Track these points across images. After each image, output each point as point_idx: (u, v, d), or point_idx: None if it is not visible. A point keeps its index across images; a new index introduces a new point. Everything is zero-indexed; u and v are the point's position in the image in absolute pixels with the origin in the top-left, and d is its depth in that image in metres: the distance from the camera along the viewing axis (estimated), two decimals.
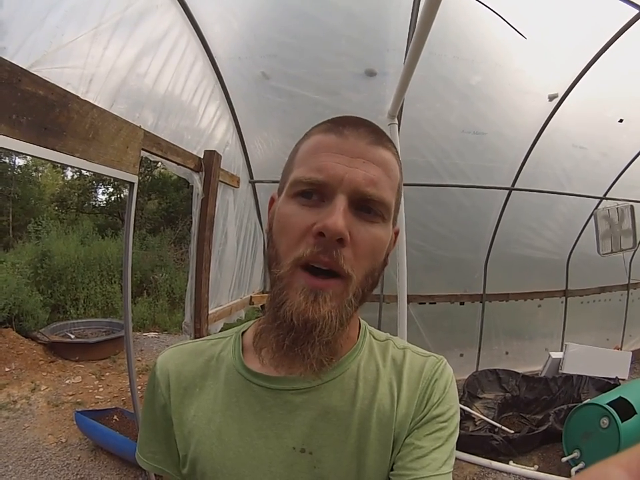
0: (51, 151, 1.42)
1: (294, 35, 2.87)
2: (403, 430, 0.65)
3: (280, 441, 0.65)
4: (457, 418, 0.68)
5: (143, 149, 2.17)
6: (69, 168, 13.00)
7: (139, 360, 5.93)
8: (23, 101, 1.29)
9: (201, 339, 0.80)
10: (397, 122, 2.56)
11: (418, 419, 0.66)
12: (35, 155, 1.35)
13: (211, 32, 2.71)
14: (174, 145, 2.49)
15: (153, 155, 2.33)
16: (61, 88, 1.46)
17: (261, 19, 2.77)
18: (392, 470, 0.64)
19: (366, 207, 0.60)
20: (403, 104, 2.82)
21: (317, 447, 0.64)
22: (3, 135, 1.21)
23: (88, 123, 1.64)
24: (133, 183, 2.16)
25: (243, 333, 0.76)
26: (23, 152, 1.30)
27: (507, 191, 4.37)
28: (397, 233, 0.70)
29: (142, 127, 2.12)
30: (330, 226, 0.55)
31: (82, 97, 1.61)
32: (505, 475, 3.45)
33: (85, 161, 1.65)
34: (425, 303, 4.83)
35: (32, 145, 1.32)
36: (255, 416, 0.66)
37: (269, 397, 0.67)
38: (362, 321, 0.75)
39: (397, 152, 0.66)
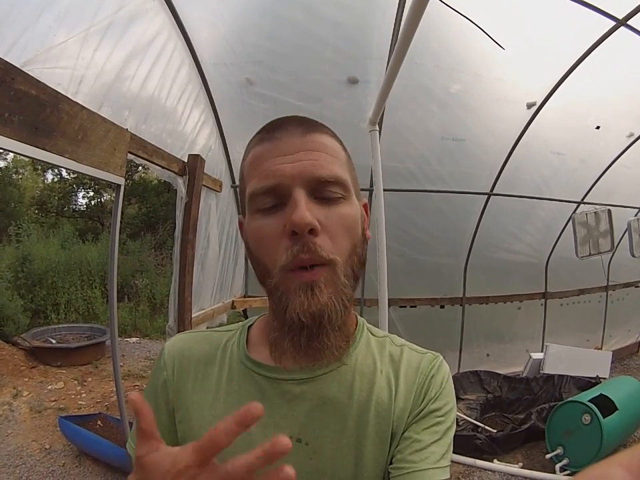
0: (41, 150, 1.43)
1: (280, 42, 2.91)
2: (400, 424, 0.67)
3: (278, 429, 0.66)
4: (454, 414, 0.70)
5: (129, 152, 2.19)
6: (49, 170, 12.79)
7: (121, 365, 5.82)
8: (16, 99, 1.31)
9: (210, 328, 0.83)
10: (377, 129, 2.60)
11: (415, 413, 0.67)
12: (25, 154, 1.37)
13: (198, 37, 2.74)
14: (159, 148, 2.52)
15: (139, 158, 2.35)
16: (52, 88, 1.48)
17: (249, 26, 2.80)
18: (391, 464, 0.66)
19: (324, 190, 0.62)
20: (384, 111, 2.87)
21: (314, 437, 0.66)
22: None
23: (77, 124, 1.66)
24: (120, 185, 2.18)
25: (250, 326, 0.78)
26: (14, 150, 1.32)
27: (486, 196, 4.46)
28: (365, 206, 0.73)
29: (129, 130, 2.15)
30: (297, 220, 0.58)
31: (72, 98, 1.64)
32: (490, 472, 3.47)
33: (73, 161, 1.67)
34: (405, 307, 4.86)
35: (23, 143, 1.34)
36: None
37: (269, 386, 0.69)
38: (359, 317, 0.77)
39: (333, 132, 0.69)
